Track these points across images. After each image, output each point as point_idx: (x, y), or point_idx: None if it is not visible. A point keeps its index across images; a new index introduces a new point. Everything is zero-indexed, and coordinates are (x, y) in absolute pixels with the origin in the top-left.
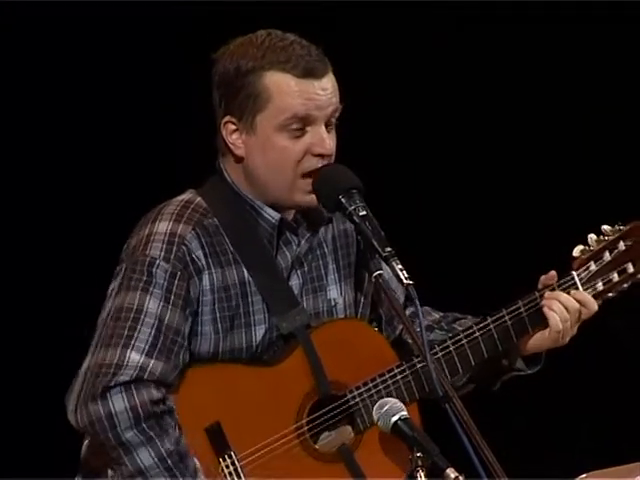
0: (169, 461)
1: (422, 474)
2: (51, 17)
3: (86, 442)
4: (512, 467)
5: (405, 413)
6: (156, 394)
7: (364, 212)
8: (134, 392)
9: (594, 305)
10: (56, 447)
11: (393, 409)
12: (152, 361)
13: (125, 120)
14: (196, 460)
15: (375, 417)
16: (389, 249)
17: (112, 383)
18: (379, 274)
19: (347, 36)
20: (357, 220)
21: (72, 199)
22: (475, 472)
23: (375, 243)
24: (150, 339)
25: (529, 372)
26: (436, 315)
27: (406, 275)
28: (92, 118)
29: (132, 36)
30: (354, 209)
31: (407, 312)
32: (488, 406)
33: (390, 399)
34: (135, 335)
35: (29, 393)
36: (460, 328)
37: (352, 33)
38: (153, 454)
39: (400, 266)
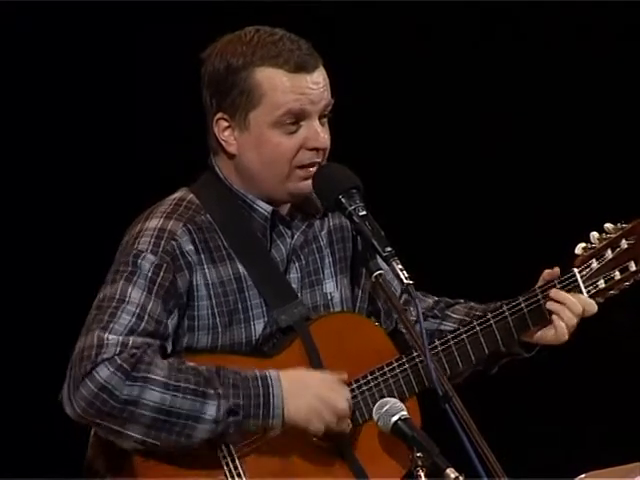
0: (172, 382)
1: (422, 474)
2: (44, 16)
3: (90, 443)
4: (512, 467)
5: (405, 413)
6: (134, 350)
7: (364, 212)
8: (116, 359)
9: (595, 308)
10: (59, 448)
11: (393, 409)
12: (132, 338)
13: (117, 120)
14: (190, 363)
15: (375, 417)
16: (389, 249)
17: (96, 362)
18: (379, 274)
19: (348, 36)
20: (357, 220)
21: (64, 200)
22: (475, 472)
23: (375, 243)
24: (130, 324)
25: (526, 356)
26: (429, 300)
27: (406, 275)
28: (82, 118)
29: (123, 36)
30: (354, 209)
31: (401, 300)
32: (488, 406)
33: (390, 399)
34: (115, 320)
35: (31, 393)
36: (455, 315)
37: (351, 33)
38: (156, 388)
39: (400, 266)
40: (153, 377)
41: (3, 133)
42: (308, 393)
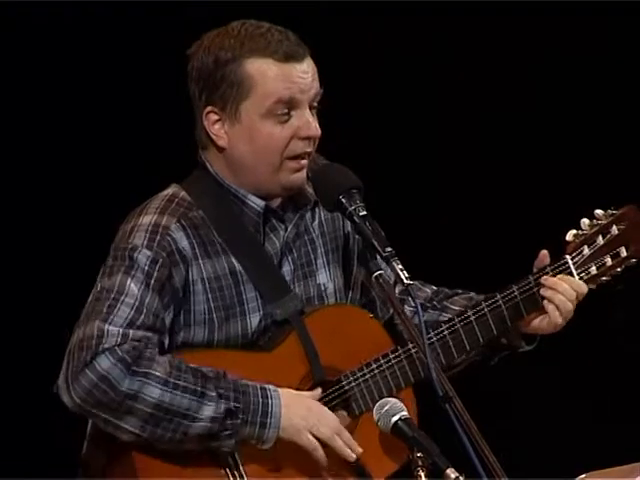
0: (172, 379)
1: (422, 474)
2: (42, 15)
3: (86, 443)
4: (512, 467)
5: (405, 413)
6: (136, 343)
7: (364, 212)
8: (117, 350)
9: (584, 288)
10: (56, 447)
11: (393, 409)
12: (132, 330)
13: (105, 118)
14: (192, 365)
15: (375, 417)
16: (389, 249)
17: (97, 352)
18: (379, 274)
19: (346, 35)
20: (357, 220)
21: (55, 196)
22: (475, 472)
23: (375, 243)
24: (129, 317)
25: (527, 349)
26: (427, 290)
27: (406, 275)
28: (71, 117)
29: (110, 35)
30: (354, 209)
31: (397, 290)
32: (488, 405)
33: (390, 399)
34: (114, 312)
35: (29, 393)
36: (454, 307)
37: (351, 32)
38: (156, 384)
39: (400, 266)
40: (154, 373)
41: None
42: (303, 405)
